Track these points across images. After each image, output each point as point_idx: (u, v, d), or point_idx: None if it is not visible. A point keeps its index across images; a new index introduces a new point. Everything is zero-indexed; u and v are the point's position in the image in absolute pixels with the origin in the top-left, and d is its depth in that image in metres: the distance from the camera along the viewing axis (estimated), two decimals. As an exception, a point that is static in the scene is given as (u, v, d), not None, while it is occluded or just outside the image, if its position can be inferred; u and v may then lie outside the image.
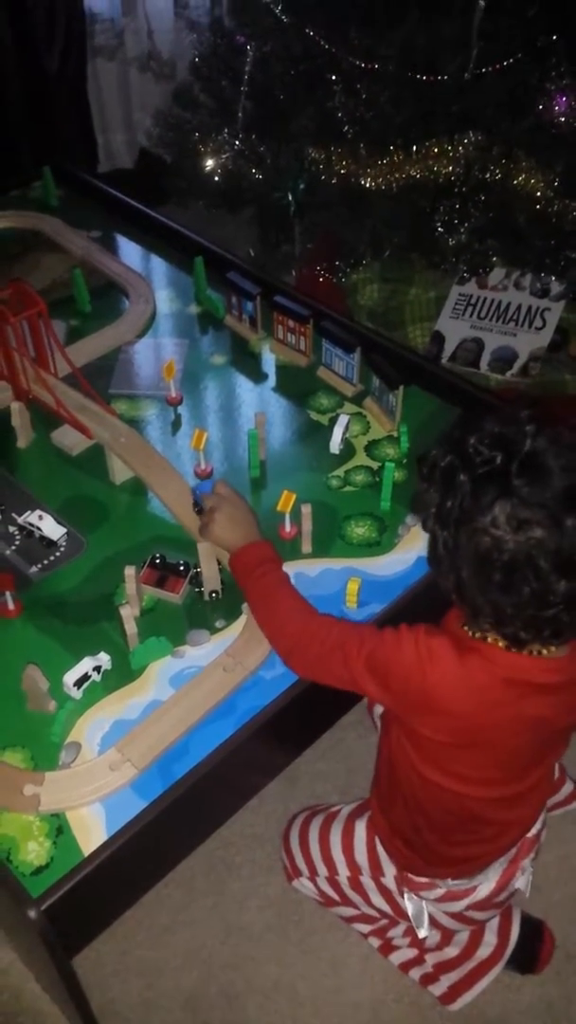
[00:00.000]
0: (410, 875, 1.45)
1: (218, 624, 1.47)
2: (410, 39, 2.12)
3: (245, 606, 1.46)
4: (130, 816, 1.23)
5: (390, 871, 1.49)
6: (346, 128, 2.19)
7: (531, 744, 1.21)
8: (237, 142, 2.29)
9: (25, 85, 2.89)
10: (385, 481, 1.63)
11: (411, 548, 1.58)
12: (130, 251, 2.31)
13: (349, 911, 1.64)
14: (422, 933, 1.49)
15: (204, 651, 1.43)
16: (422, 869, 1.43)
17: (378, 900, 1.53)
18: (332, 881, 1.57)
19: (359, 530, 1.62)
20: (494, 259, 2.32)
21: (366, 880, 1.53)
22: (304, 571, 1.54)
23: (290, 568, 1.52)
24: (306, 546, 1.57)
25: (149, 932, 1.74)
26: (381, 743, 1.40)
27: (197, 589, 1.51)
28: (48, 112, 2.99)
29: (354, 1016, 1.66)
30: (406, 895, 1.47)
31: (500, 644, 1.12)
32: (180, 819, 1.29)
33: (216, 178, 2.42)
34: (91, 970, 1.67)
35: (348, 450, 1.76)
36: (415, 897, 1.47)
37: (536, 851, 1.48)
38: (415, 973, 1.66)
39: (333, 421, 1.78)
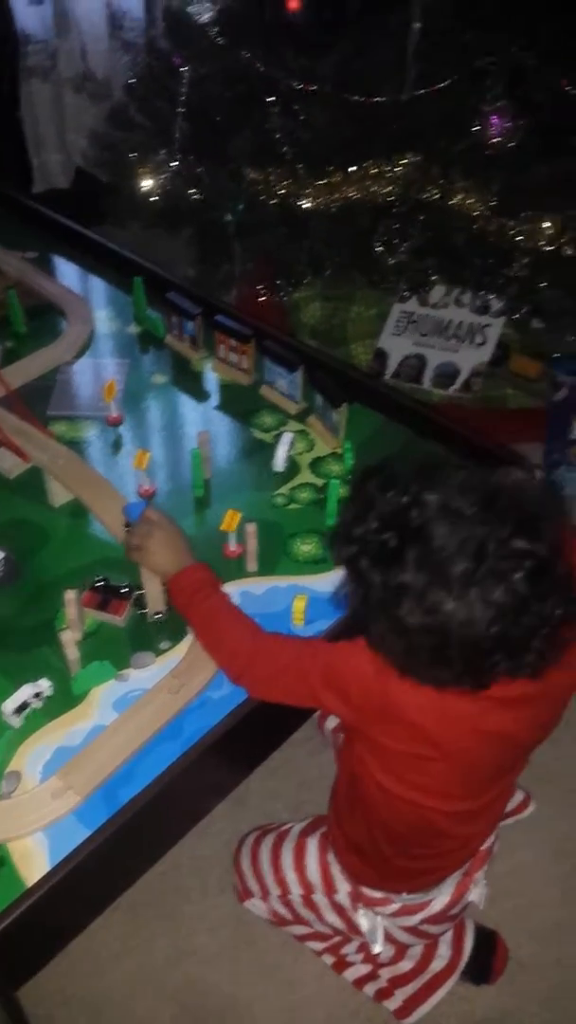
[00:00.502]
0: (365, 890, 1.44)
1: (163, 646, 1.46)
2: (346, 61, 2.14)
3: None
4: (73, 845, 1.21)
5: (343, 888, 1.48)
6: (284, 149, 2.20)
7: (493, 759, 1.22)
8: (174, 163, 2.29)
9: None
10: (330, 498, 1.63)
11: (355, 564, 1.58)
12: (67, 272, 2.29)
13: (302, 929, 1.63)
14: (376, 948, 1.48)
15: (149, 673, 1.42)
16: (377, 883, 1.42)
17: (332, 917, 1.52)
18: (284, 900, 1.56)
19: (305, 547, 1.61)
20: (434, 278, 2.34)
21: (319, 898, 1.51)
22: (250, 590, 1.53)
23: (236, 587, 1.52)
24: (251, 565, 1.57)
25: (97, 960, 1.71)
26: (341, 756, 1.40)
27: (141, 611, 1.50)
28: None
29: (309, 1038, 1.65)
30: (360, 911, 1.47)
31: None
32: (126, 845, 1.27)
33: (154, 199, 2.41)
34: (38, 1003, 1.64)
35: (293, 468, 1.76)
36: (370, 912, 1.46)
37: (488, 863, 1.48)
38: (369, 989, 1.66)
39: (277, 439, 1.78)
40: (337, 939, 1.64)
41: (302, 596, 1.47)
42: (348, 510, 1.11)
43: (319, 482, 1.73)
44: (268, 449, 1.78)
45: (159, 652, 1.45)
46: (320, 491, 1.71)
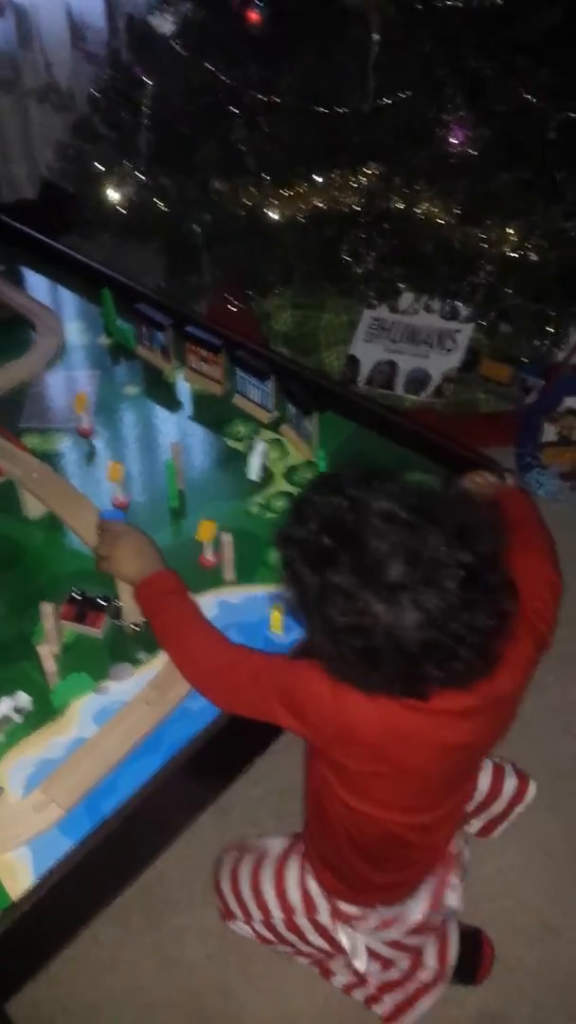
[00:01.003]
0: (341, 906, 1.44)
1: (140, 657, 1.46)
2: (308, 73, 2.15)
3: (169, 637, 1.46)
4: (57, 857, 1.21)
5: (323, 907, 1.47)
6: (250, 161, 2.21)
7: (453, 769, 1.23)
8: (140, 174, 2.29)
9: None
10: (303, 505, 1.64)
11: (331, 570, 1.59)
12: (36, 283, 2.29)
13: (287, 949, 1.63)
14: (359, 965, 1.48)
15: (127, 685, 1.42)
16: (352, 898, 1.43)
17: (315, 938, 1.52)
18: (267, 924, 1.54)
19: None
20: (401, 286, 2.36)
21: (300, 920, 1.50)
22: (227, 599, 1.54)
23: (213, 596, 1.53)
24: (228, 574, 1.57)
25: (86, 973, 1.71)
26: (306, 775, 1.40)
27: (118, 623, 1.50)
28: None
29: (299, 1043, 1.65)
30: (340, 928, 1.46)
31: None
32: (110, 857, 1.27)
33: (121, 210, 2.41)
34: (27, 1016, 1.63)
35: (267, 477, 1.77)
36: (349, 929, 1.46)
37: (463, 867, 1.49)
38: (359, 995, 1.66)
39: (251, 448, 1.79)
40: (322, 956, 1.64)
41: (280, 605, 1.48)
42: (289, 514, 1.13)
43: (294, 490, 1.74)
44: (242, 458, 1.79)
45: (137, 664, 1.46)
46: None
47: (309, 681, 1.16)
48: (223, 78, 2.28)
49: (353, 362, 2.76)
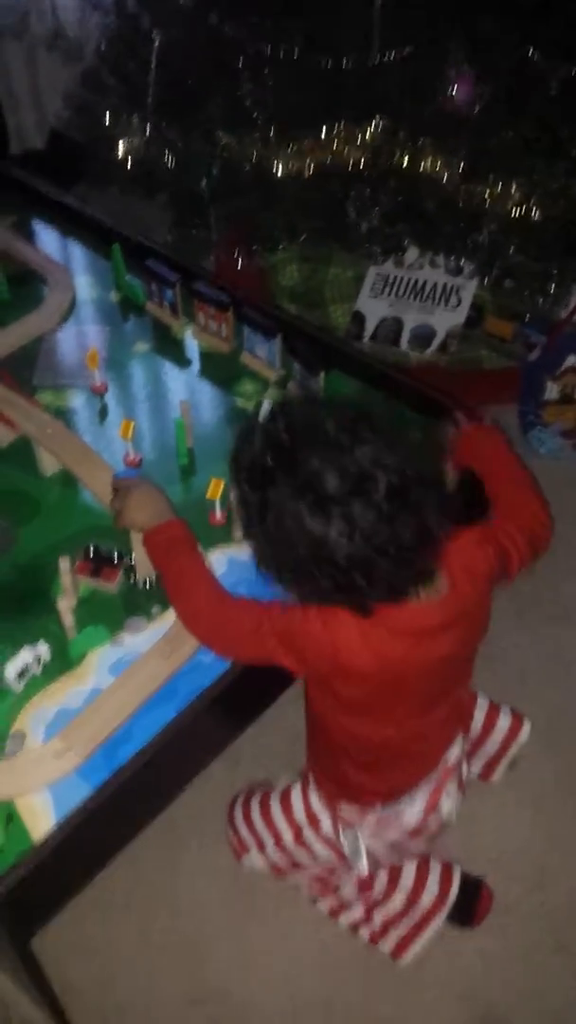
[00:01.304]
0: (343, 809, 1.51)
1: (154, 611, 1.51)
2: (314, 26, 2.15)
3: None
4: (77, 801, 1.27)
5: (326, 819, 1.56)
6: (255, 114, 2.21)
7: (439, 681, 1.31)
8: (148, 127, 2.29)
9: None
10: (311, 463, 1.67)
11: (339, 528, 1.62)
12: (47, 237, 2.31)
13: (298, 876, 1.70)
14: (361, 867, 1.55)
15: (142, 638, 1.47)
16: (352, 801, 1.50)
17: (321, 850, 1.60)
18: (279, 846, 1.63)
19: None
20: (406, 242, 2.37)
21: (307, 834, 1.59)
22: (235, 556, 1.58)
23: (222, 553, 1.57)
24: (237, 532, 1.61)
25: (103, 911, 1.78)
26: (306, 701, 1.46)
27: (132, 577, 1.54)
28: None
29: (310, 980, 1.73)
30: (342, 832, 1.54)
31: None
32: (127, 802, 1.33)
33: (128, 162, 2.42)
34: (48, 952, 1.71)
35: (274, 433, 1.79)
36: (351, 832, 1.54)
37: (461, 779, 1.55)
38: (364, 932, 1.74)
39: (258, 407, 1.81)
40: (334, 879, 1.71)
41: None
42: (236, 439, 1.19)
43: (301, 447, 1.77)
44: (250, 416, 1.82)
45: (151, 617, 1.50)
46: (303, 456, 1.75)
47: (303, 623, 1.22)
48: (229, 31, 2.27)
49: (358, 318, 2.77)
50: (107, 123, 2.39)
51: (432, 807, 1.51)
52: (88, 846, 1.34)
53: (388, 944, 1.71)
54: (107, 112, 2.38)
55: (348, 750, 1.40)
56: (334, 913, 1.77)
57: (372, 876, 1.68)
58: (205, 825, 1.89)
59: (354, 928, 1.75)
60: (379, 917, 1.71)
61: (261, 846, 1.65)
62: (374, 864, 1.57)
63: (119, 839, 1.50)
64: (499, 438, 1.54)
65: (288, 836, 1.61)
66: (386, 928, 1.71)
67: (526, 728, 1.76)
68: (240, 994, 1.71)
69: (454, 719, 1.48)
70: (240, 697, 1.50)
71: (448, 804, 1.53)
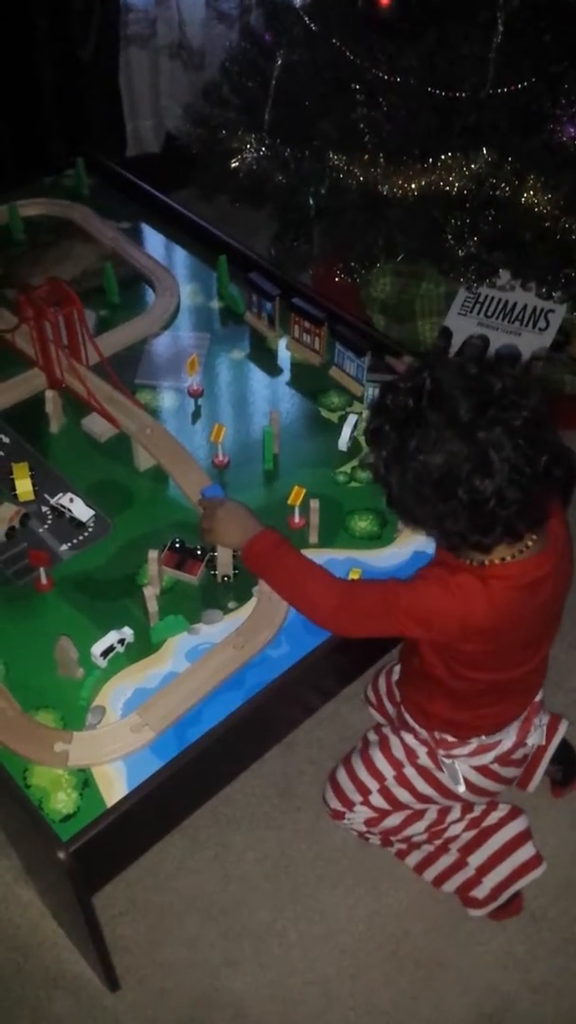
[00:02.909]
0: (447, 736, 1.63)
1: (230, 605, 1.63)
2: (431, 54, 2.23)
3: (256, 589, 1.62)
4: (148, 773, 1.40)
5: (422, 752, 1.69)
6: (367, 137, 2.30)
7: (543, 626, 1.46)
8: (263, 148, 2.40)
9: (59, 74, 3.00)
10: (387, 479, 1.77)
11: (409, 542, 1.73)
12: (156, 242, 2.44)
13: (398, 818, 1.78)
14: (460, 789, 1.67)
15: (217, 629, 1.59)
16: (457, 734, 1.62)
17: (422, 785, 1.71)
18: (382, 789, 1.74)
19: (362, 524, 1.76)
20: (500, 272, 2.45)
21: (408, 770, 1.71)
22: (312, 558, 1.69)
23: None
24: (313, 537, 1.72)
25: (156, 877, 1.92)
26: (411, 657, 1.59)
27: (212, 572, 1.67)
28: (80, 100, 3.10)
29: (338, 960, 1.84)
30: (441, 756, 1.65)
31: (507, 558, 1.34)
32: (191, 778, 1.46)
33: (240, 175, 2.53)
34: (103, 910, 1.85)
35: (355, 448, 1.90)
36: (450, 758, 1.65)
37: (543, 711, 1.69)
38: (455, 882, 1.84)
39: (343, 420, 1.92)
40: (433, 816, 1.80)
41: (357, 569, 1.64)
42: (379, 393, 1.34)
43: (380, 463, 1.87)
44: (333, 428, 1.93)
45: (227, 611, 1.62)
46: (380, 471, 1.85)
47: (433, 599, 1.36)
48: (348, 54, 2.36)
49: (446, 334, 2.84)
50: (223, 136, 2.50)
51: (522, 739, 1.65)
52: (153, 815, 1.47)
53: (482, 891, 1.82)
54: (224, 126, 2.49)
55: (463, 697, 1.53)
56: (424, 864, 1.88)
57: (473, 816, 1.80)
58: (256, 806, 2.01)
59: (441, 879, 1.86)
60: (474, 862, 1.81)
61: (366, 794, 1.75)
62: (469, 793, 1.69)
63: (180, 811, 1.63)
64: None
65: (390, 775, 1.72)
66: (480, 876, 1.81)
67: (564, 725, 1.87)
68: (274, 964, 1.83)
69: (543, 667, 1.60)
70: (303, 691, 1.62)
71: (534, 736, 1.67)
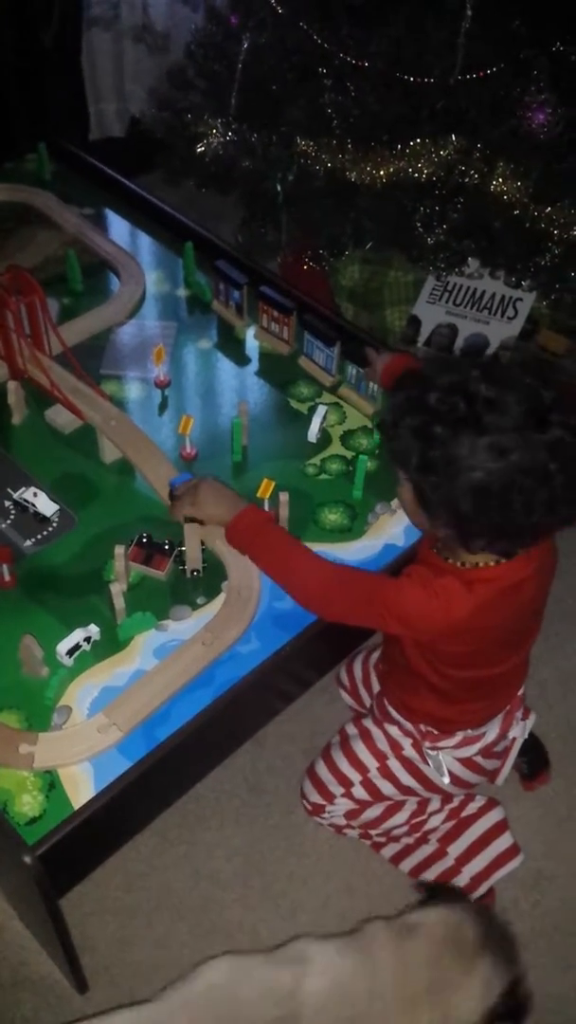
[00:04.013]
0: (432, 730, 1.62)
1: (199, 601, 1.60)
2: (399, 39, 2.20)
3: (225, 584, 1.59)
4: (116, 774, 1.37)
5: (407, 744, 1.67)
6: (335, 123, 2.26)
7: (526, 623, 1.46)
8: (230, 132, 2.36)
9: (21, 57, 2.93)
10: (358, 471, 1.75)
11: (379, 535, 1.71)
12: (120, 229, 2.39)
13: (378, 809, 1.77)
14: (444, 781, 1.66)
15: (186, 625, 1.56)
16: (442, 728, 1.61)
17: (405, 777, 1.69)
18: (365, 781, 1.72)
19: (332, 516, 1.74)
20: (469, 260, 2.43)
21: (391, 762, 1.69)
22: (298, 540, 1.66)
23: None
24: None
25: (125, 877, 1.89)
26: (394, 655, 1.57)
27: (180, 567, 1.64)
28: (42, 83, 3.03)
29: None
30: (427, 748, 1.64)
31: (491, 563, 1.34)
32: (161, 778, 1.43)
33: (206, 160, 2.48)
34: (71, 911, 1.81)
35: (325, 439, 1.88)
36: (435, 750, 1.64)
37: (524, 707, 1.69)
38: (436, 870, 1.82)
39: (312, 411, 1.89)
40: (414, 807, 1.78)
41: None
42: (405, 391, 1.31)
43: (349, 455, 1.85)
44: (303, 419, 1.90)
45: (195, 606, 1.59)
46: (349, 463, 1.83)
47: (417, 602, 1.35)
48: (316, 39, 2.32)
49: (415, 322, 2.82)
50: (189, 120, 2.45)
51: (504, 732, 1.65)
52: (121, 816, 1.44)
53: (462, 880, 1.80)
54: (190, 110, 2.45)
55: (448, 693, 1.52)
56: (401, 855, 1.87)
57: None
58: (225, 803, 1.99)
59: (421, 868, 1.84)
60: (454, 852, 1.80)
61: (348, 786, 1.73)
62: (452, 785, 1.68)
63: (150, 811, 1.60)
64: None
65: (373, 767, 1.70)
66: (460, 865, 1.80)
67: (532, 717, 1.85)
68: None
69: (525, 662, 1.59)
70: (272, 688, 1.59)
71: (516, 729, 1.67)
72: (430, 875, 1.84)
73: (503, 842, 1.81)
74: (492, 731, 1.63)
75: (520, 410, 1.21)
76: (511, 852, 1.81)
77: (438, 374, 1.27)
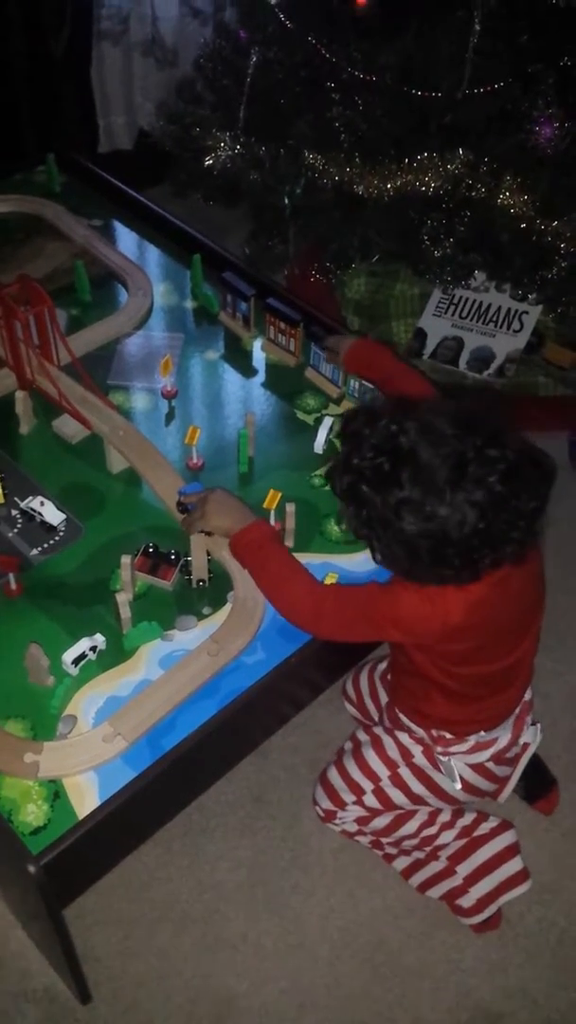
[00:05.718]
0: (445, 735, 1.61)
1: (205, 611, 1.60)
2: (407, 53, 2.21)
3: (230, 595, 1.60)
4: (121, 784, 1.37)
5: (417, 751, 1.67)
6: (342, 136, 2.28)
7: (523, 610, 1.47)
8: (238, 146, 2.38)
9: (31, 69, 2.96)
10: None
11: (385, 547, 1.71)
12: (128, 241, 2.41)
13: (388, 818, 1.76)
14: (456, 787, 1.65)
15: (191, 636, 1.56)
16: (456, 731, 1.61)
17: (416, 786, 1.69)
18: (376, 790, 1.71)
19: (337, 528, 1.74)
20: (475, 272, 2.44)
21: (402, 770, 1.69)
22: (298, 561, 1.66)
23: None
24: (288, 541, 1.69)
25: (128, 887, 1.88)
26: (401, 662, 1.57)
27: (186, 577, 1.64)
28: (52, 96, 3.06)
29: (314, 969, 1.82)
30: (438, 754, 1.64)
31: None
32: (166, 788, 1.43)
33: (214, 173, 2.50)
34: (74, 921, 1.81)
35: (331, 450, 1.88)
36: (447, 755, 1.63)
37: (532, 713, 1.69)
38: (441, 888, 1.82)
39: (318, 422, 1.90)
40: (424, 819, 1.77)
41: (333, 574, 1.62)
42: (342, 445, 1.33)
43: (356, 466, 1.85)
44: (309, 431, 1.91)
45: (201, 617, 1.60)
46: (357, 474, 1.83)
47: (413, 609, 1.36)
48: (324, 53, 2.34)
49: (420, 335, 2.83)
50: (197, 134, 2.47)
51: (516, 737, 1.64)
52: (126, 826, 1.44)
53: (468, 901, 1.80)
54: (198, 124, 2.46)
55: (456, 693, 1.52)
56: (412, 869, 1.86)
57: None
58: (230, 814, 1.99)
59: (428, 884, 1.84)
60: (463, 871, 1.79)
61: (360, 793, 1.72)
62: (464, 793, 1.67)
63: (154, 823, 1.60)
64: (387, 349, 1.82)
65: (384, 775, 1.70)
66: (468, 885, 1.79)
67: (538, 733, 1.84)
68: (248, 974, 1.80)
69: (531, 656, 1.58)
70: (278, 698, 1.59)
71: (527, 735, 1.67)
72: (437, 892, 1.84)
73: (513, 866, 1.80)
74: (504, 736, 1.63)
75: (445, 467, 1.22)
76: (520, 877, 1.80)
77: (367, 430, 1.28)
